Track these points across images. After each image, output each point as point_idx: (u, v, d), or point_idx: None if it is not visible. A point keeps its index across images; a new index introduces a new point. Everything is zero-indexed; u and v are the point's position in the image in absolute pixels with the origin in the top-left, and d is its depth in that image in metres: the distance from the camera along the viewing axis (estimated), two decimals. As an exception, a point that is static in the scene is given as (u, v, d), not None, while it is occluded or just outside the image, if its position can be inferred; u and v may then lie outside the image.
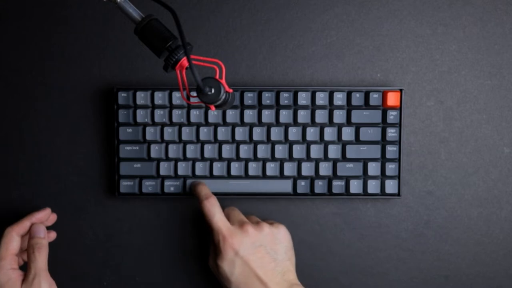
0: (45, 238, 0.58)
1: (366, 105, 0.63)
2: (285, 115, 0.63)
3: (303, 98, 0.62)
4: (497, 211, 0.66)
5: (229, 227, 0.58)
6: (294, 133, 0.63)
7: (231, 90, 0.50)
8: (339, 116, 0.63)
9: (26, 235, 0.58)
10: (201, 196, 0.59)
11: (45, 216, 0.60)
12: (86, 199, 0.65)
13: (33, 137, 0.65)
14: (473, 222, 0.66)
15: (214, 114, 0.62)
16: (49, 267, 0.66)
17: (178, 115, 0.62)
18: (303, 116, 0.63)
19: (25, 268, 0.56)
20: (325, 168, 0.63)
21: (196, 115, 0.62)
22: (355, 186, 0.63)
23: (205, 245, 0.65)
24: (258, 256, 0.57)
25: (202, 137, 0.63)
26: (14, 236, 0.57)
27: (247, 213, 0.65)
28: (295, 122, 0.63)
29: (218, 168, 0.63)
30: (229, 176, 0.63)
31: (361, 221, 0.66)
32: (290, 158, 0.63)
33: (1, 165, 0.65)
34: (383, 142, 0.63)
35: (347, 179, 0.63)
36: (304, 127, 0.63)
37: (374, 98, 0.62)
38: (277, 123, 0.63)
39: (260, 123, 0.63)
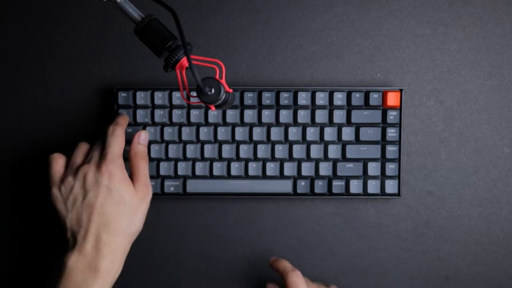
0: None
1: (366, 105, 0.63)
2: (285, 115, 0.63)
3: (303, 98, 0.62)
4: (497, 211, 0.66)
5: None
6: (294, 133, 0.63)
7: (231, 90, 0.50)
8: (339, 116, 0.63)
9: None
10: (287, 268, 0.58)
11: (128, 120, 0.61)
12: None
13: (33, 137, 0.65)
14: (473, 222, 0.66)
15: (214, 114, 0.62)
16: (49, 266, 0.66)
17: (178, 115, 0.62)
18: (303, 116, 0.63)
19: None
20: (325, 168, 0.63)
21: (196, 115, 0.62)
22: (355, 186, 0.63)
23: (205, 246, 0.65)
24: None
25: (202, 137, 0.62)
26: (124, 136, 0.57)
27: (248, 214, 0.65)
28: (295, 122, 0.63)
29: (218, 168, 0.63)
30: (229, 176, 0.63)
31: (361, 221, 0.66)
32: (290, 158, 0.63)
33: (1, 165, 0.65)
34: (383, 142, 0.63)
35: (347, 179, 0.63)
36: (304, 127, 0.63)
37: (374, 98, 0.62)
38: (277, 123, 0.63)
39: (260, 123, 0.63)
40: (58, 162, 0.57)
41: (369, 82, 0.65)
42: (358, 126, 0.63)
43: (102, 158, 0.55)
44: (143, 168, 0.57)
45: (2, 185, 0.65)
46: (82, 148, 0.58)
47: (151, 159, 0.63)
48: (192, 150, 0.63)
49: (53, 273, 0.64)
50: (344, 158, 0.63)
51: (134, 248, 0.65)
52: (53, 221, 0.65)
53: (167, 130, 0.62)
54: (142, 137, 0.58)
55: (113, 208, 0.54)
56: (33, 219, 0.65)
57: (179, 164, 0.62)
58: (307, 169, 0.63)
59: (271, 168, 0.63)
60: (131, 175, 0.57)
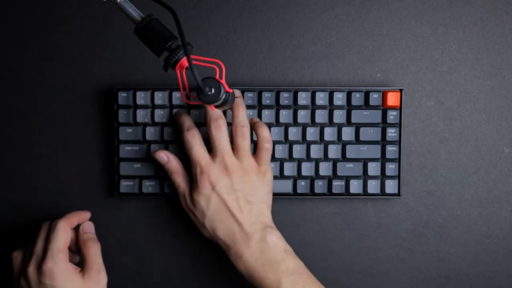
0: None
1: (366, 105, 0.63)
2: (285, 115, 0.63)
3: (303, 98, 0.62)
4: (497, 211, 0.66)
5: (208, 161, 0.57)
6: (294, 133, 0.63)
7: (231, 90, 0.50)
8: (339, 116, 0.63)
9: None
10: (183, 127, 0.58)
11: (87, 217, 0.60)
12: (86, 199, 0.65)
13: (33, 137, 0.65)
14: (473, 222, 0.66)
15: (214, 114, 0.62)
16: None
17: (178, 115, 0.62)
18: (303, 116, 0.63)
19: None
20: (325, 168, 0.63)
21: (196, 115, 0.62)
22: (355, 186, 0.63)
23: (205, 246, 0.65)
24: (234, 197, 0.56)
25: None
26: (69, 230, 0.57)
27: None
28: (295, 122, 0.63)
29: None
30: (229, 176, 0.63)
31: (361, 221, 0.66)
32: (290, 158, 0.63)
33: (1, 165, 0.65)
34: (383, 142, 0.63)
35: (347, 179, 0.63)
36: (304, 127, 0.63)
37: (374, 98, 0.62)
38: (277, 123, 0.63)
39: (260, 123, 0.63)
40: (16, 261, 0.57)
41: (369, 82, 0.65)
42: (358, 126, 0.63)
43: (43, 255, 0.55)
44: (93, 254, 0.56)
45: (2, 186, 0.65)
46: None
47: (151, 159, 0.63)
48: (192, 150, 0.62)
49: None
50: (344, 158, 0.63)
51: (133, 248, 0.65)
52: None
53: (167, 130, 0.62)
54: (86, 228, 0.59)
55: None
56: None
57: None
58: (307, 169, 0.63)
59: (271, 168, 0.63)
60: (83, 263, 0.56)
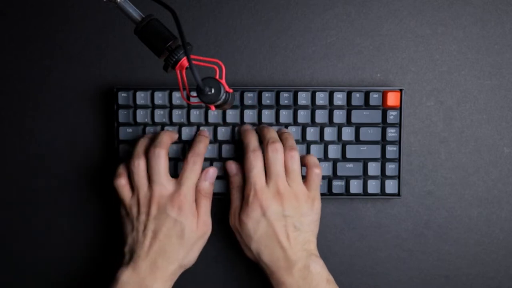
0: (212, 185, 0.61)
1: (366, 105, 0.63)
2: (285, 115, 0.63)
3: (303, 98, 0.62)
4: (497, 211, 0.66)
5: (263, 185, 0.57)
6: (294, 133, 0.63)
7: (231, 90, 0.50)
8: (339, 116, 0.63)
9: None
10: (249, 147, 0.59)
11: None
12: (86, 199, 0.65)
13: (33, 137, 0.65)
14: (473, 222, 0.66)
15: (214, 114, 0.62)
16: (48, 268, 0.66)
17: (178, 115, 0.62)
18: (303, 116, 0.63)
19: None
20: (325, 168, 0.63)
21: (196, 115, 0.62)
22: (355, 186, 0.63)
23: (205, 245, 0.65)
24: (283, 223, 0.57)
25: (202, 137, 0.62)
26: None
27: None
28: (295, 122, 0.63)
29: (219, 168, 0.63)
30: (229, 176, 0.63)
31: (361, 221, 0.66)
32: (290, 158, 0.63)
33: (1, 165, 0.65)
34: (383, 142, 0.63)
35: (347, 179, 0.63)
36: (304, 127, 0.63)
37: (374, 98, 0.62)
38: (277, 123, 0.63)
39: (260, 123, 0.63)
40: (125, 189, 0.58)
41: (369, 82, 0.65)
42: (358, 126, 0.63)
43: (176, 190, 0.57)
44: (204, 205, 0.59)
45: (2, 186, 0.65)
46: (141, 166, 0.58)
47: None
48: (192, 150, 0.62)
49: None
50: (344, 158, 0.63)
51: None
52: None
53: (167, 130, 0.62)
54: (210, 174, 0.60)
55: (174, 239, 0.56)
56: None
57: (179, 164, 0.62)
58: (307, 169, 0.63)
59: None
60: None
